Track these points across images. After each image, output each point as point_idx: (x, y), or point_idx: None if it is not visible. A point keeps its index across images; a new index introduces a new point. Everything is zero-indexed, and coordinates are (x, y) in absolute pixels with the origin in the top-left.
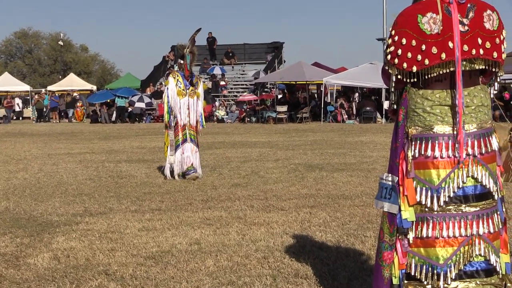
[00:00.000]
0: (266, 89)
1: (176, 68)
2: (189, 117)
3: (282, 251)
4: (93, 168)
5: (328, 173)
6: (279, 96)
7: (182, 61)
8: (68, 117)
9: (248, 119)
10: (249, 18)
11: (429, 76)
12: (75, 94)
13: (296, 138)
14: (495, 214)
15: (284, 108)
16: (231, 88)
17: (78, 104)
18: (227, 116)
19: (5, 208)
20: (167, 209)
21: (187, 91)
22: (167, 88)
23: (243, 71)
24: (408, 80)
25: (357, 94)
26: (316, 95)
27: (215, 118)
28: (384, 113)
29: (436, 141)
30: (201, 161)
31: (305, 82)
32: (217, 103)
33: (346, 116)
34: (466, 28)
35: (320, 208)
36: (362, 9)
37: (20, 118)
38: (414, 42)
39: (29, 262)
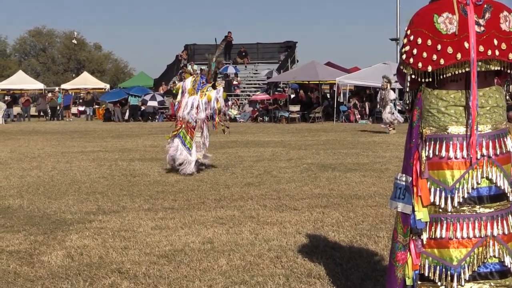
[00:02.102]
0: (279, 89)
1: (192, 68)
2: (188, 115)
3: (295, 251)
4: (106, 166)
5: (341, 173)
6: (292, 96)
7: (206, 68)
8: (87, 115)
9: (261, 118)
10: (262, 18)
11: (444, 76)
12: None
13: (309, 138)
14: (510, 216)
15: (296, 108)
16: (244, 88)
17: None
18: (239, 115)
19: (19, 206)
20: (180, 208)
21: (199, 91)
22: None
23: (256, 70)
24: (423, 80)
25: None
26: (328, 95)
27: (227, 117)
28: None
29: (451, 142)
30: (213, 160)
31: (318, 82)
32: (230, 102)
33: (359, 116)
34: (482, 29)
35: (333, 208)
36: (376, 9)
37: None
38: (429, 42)
39: (42, 259)
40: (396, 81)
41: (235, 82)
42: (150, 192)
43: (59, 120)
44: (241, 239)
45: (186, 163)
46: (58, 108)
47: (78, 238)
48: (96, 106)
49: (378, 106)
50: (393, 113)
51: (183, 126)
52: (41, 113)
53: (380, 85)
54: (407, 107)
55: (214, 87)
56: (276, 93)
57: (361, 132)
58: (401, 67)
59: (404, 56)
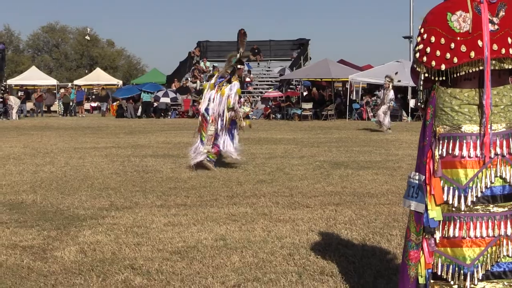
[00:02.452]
0: (291, 86)
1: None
2: (205, 110)
3: (308, 249)
4: (119, 162)
5: (353, 171)
6: (305, 93)
7: (240, 66)
8: (102, 111)
9: (273, 115)
10: (275, 15)
11: (458, 74)
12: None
13: (321, 135)
14: None
15: (309, 105)
16: (257, 85)
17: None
18: (252, 113)
19: (33, 201)
20: (193, 205)
21: (216, 85)
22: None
23: (269, 67)
24: (436, 79)
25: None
26: (341, 92)
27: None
28: (409, 111)
29: (464, 141)
30: (225, 157)
31: (330, 80)
32: (242, 99)
33: (372, 114)
34: (496, 27)
35: (346, 205)
36: (389, 7)
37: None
38: (443, 40)
39: (56, 255)
40: (399, 81)
41: (247, 79)
42: (163, 189)
43: (72, 116)
44: (254, 236)
45: (197, 153)
46: (71, 104)
47: (91, 234)
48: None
49: (379, 104)
50: (385, 114)
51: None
52: (49, 109)
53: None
54: (421, 106)
55: (229, 82)
56: (289, 90)
57: (374, 130)
58: (415, 66)
59: (417, 55)
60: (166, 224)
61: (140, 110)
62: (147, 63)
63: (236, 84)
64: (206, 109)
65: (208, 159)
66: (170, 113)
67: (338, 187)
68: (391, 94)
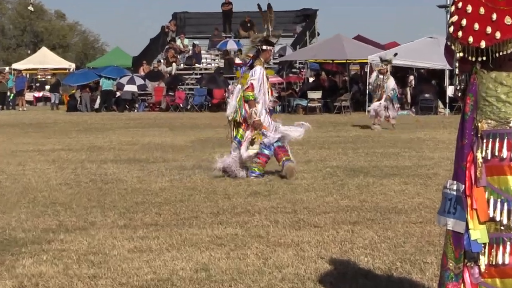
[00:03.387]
0: (294, 70)
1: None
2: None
3: (316, 281)
4: (70, 170)
5: (375, 180)
6: (311, 79)
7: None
8: (52, 104)
9: (271, 108)
10: None
11: (502, 53)
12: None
13: (333, 134)
14: None
15: (317, 95)
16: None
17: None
18: None
19: None
20: (166, 224)
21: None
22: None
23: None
24: (475, 59)
25: (412, 77)
26: (359, 78)
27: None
28: (448, 101)
29: None
30: (209, 162)
31: (344, 61)
32: (230, 87)
33: (399, 106)
34: None
35: (366, 225)
36: None
37: None
38: (482, 10)
39: None
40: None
41: (237, 61)
42: (127, 204)
43: (9, 109)
44: (246, 266)
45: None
46: (8, 94)
47: (33, 264)
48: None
49: (370, 91)
50: (387, 108)
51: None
52: None
53: (378, 68)
54: (459, 94)
55: (251, 67)
56: (291, 75)
57: (402, 126)
58: (448, 43)
59: (451, 29)
60: (131, 250)
61: (98, 101)
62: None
63: (258, 68)
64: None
65: (254, 174)
66: (137, 106)
67: (356, 200)
68: (391, 83)
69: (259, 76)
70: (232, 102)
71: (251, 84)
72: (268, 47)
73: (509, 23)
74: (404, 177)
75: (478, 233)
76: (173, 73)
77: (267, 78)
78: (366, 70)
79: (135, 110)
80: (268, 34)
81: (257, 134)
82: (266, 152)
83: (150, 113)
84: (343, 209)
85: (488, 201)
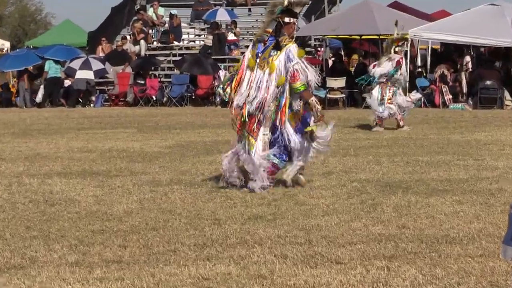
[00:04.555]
0: (308, 49)
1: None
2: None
3: None
4: (3, 186)
5: (419, 198)
6: (331, 61)
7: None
8: None
9: None
10: None
11: None
12: None
13: (362, 135)
14: None
15: (340, 82)
16: (246, 47)
17: None
18: None
19: None
20: (133, 261)
21: (258, 60)
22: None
23: None
24: None
25: (468, 59)
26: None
27: (217, 98)
28: None
29: None
30: (195, 175)
31: (376, 37)
32: (221, 73)
33: (451, 97)
34: None
35: (406, 260)
36: None
37: None
38: None
39: None
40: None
41: (230, 37)
42: (80, 233)
43: None
44: None
45: (254, 171)
46: None
47: None
48: None
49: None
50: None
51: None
52: None
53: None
54: None
55: (277, 47)
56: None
57: (455, 124)
58: None
59: None
60: None
61: (41, 93)
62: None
63: (292, 47)
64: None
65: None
66: (93, 99)
67: (393, 226)
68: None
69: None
70: (253, 93)
71: (295, 71)
72: (292, 19)
73: None
74: (458, 194)
75: None
76: (142, 53)
77: None
78: (405, 48)
79: (92, 105)
80: (290, 2)
81: (315, 126)
82: (276, 161)
83: (111, 109)
84: (375, 239)
85: None
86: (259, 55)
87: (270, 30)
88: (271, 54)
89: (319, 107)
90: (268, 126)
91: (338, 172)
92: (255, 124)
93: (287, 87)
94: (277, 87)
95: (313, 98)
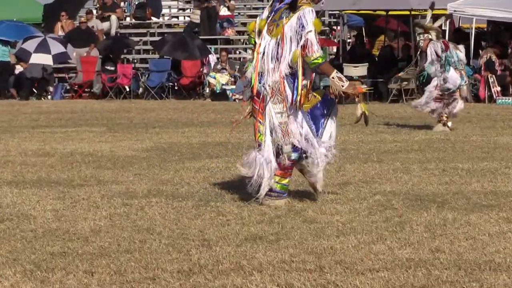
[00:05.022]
0: (322, 28)
1: None
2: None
3: None
4: None
5: (458, 215)
6: (350, 43)
7: None
8: None
9: None
10: None
11: None
12: None
13: (387, 136)
14: None
15: (360, 70)
16: (244, 25)
17: None
18: (233, 87)
19: None
20: None
21: (268, 22)
22: None
23: None
24: None
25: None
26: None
27: (207, 89)
28: None
29: None
30: (178, 183)
31: (407, 13)
32: (212, 58)
33: (499, 89)
34: None
35: None
36: None
37: None
38: None
39: None
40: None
41: (223, 12)
42: (37, 256)
43: None
44: None
45: (257, 174)
46: None
47: None
48: None
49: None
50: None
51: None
52: None
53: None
54: None
55: (293, 7)
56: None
57: (504, 124)
58: None
59: None
60: None
61: None
62: None
63: (307, 10)
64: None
65: (276, 192)
66: (51, 89)
67: (424, 250)
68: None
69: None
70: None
71: (310, 40)
72: None
73: None
74: (506, 210)
75: None
76: (112, 32)
77: None
78: (442, 28)
79: (49, 97)
80: None
81: (362, 103)
82: (293, 156)
83: (74, 102)
84: (402, 265)
85: None
86: (272, 15)
87: None
88: (282, 16)
89: (346, 83)
90: (282, 105)
91: (357, 183)
92: (259, 103)
93: (300, 62)
94: (291, 65)
95: (334, 73)
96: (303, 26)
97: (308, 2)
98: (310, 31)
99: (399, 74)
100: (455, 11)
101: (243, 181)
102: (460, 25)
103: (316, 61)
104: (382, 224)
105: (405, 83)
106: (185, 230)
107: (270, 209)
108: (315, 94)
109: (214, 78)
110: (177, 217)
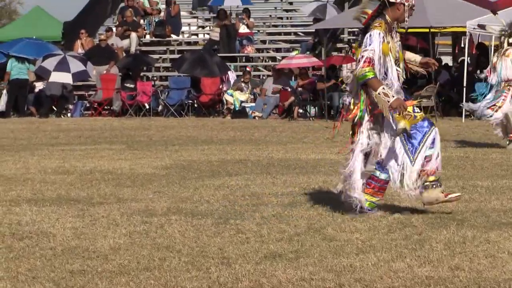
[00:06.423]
0: (339, 45)
1: None
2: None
3: None
4: None
5: (477, 232)
6: None
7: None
8: None
9: (300, 110)
10: None
11: None
12: None
13: None
14: None
15: None
16: (263, 42)
17: None
18: (253, 104)
19: None
20: None
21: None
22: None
23: (290, 3)
24: None
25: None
26: (451, 58)
27: (225, 106)
28: None
29: None
30: (197, 200)
31: (426, 30)
32: (231, 75)
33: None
34: None
35: None
36: None
37: None
38: None
39: None
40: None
41: (242, 30)
42: (56, 274)
43: None
44: None
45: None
46: None
47: None
48: None
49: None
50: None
51: None
52: None
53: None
54: None
55: (365, 30)
56: (334, 54)
57: None
58: None
59: None
60: None
61: (4, 99)
62: None
63: (374, 32)
64: None
65: (368, 209)
66: (71, 107)
67: (444, 268)
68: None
69: (378, 45)
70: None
71: (367, 58)
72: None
73: None
74: None
75: None
76: (132, 50)
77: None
78: (462, 44)
79: (69, 115)
80: None
81: (403, 119)
82: (382, 176)
83: (93, 120)
84: (421, 283)
85: None
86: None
87: (369, 11)
88: (359, 39)
89: (391, 97)
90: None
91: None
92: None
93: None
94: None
95: (381, 88)
96: (365, 46)
97: (379, 25)
98: (367, 50)
99: (419, 92)
100: (474, 28)
101: (262, 199)
102: (480, 41)
103: (362, 76)
104: (402, 242)
105: (425, 100)
106: (204, 248)
107: (289, 227)
108: (415, 114)
109: (232, 95)
110: (197, 235)
